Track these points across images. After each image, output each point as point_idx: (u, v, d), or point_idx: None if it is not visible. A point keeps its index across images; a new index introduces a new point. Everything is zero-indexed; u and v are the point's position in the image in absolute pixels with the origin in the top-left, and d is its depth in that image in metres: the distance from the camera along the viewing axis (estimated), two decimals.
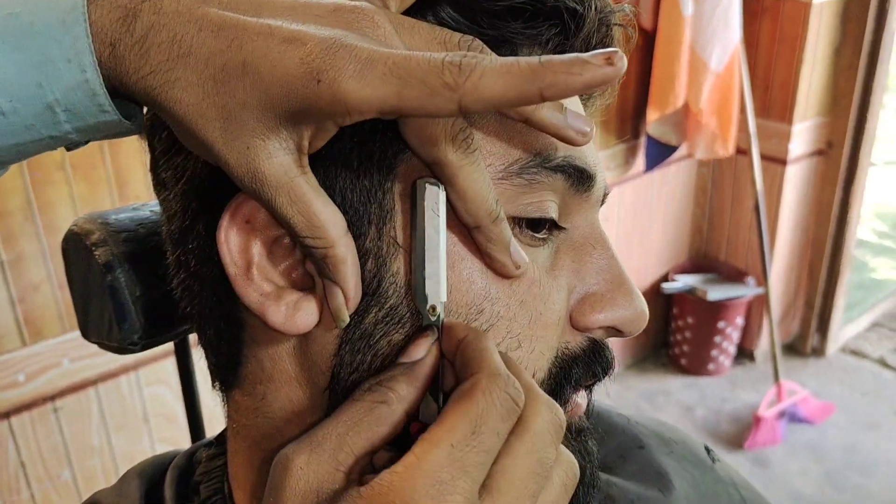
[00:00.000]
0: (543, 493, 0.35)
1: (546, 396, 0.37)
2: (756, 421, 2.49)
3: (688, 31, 2.23)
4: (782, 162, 2.58)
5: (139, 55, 0.32)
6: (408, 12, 0.37)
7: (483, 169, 0.37)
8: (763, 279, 2.57)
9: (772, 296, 2.60)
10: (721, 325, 2.72)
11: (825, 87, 2.58)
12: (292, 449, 0.35)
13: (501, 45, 0.39)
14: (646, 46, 2.36)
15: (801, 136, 2.58)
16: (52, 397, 1.54)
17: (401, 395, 0.36)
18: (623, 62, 0.31)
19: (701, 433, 2.59)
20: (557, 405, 0.37)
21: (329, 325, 0.39)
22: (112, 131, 0.35)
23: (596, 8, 0.42)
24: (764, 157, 2.56)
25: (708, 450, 0.60)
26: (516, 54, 0.40)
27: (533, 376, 0.41)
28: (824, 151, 2.69)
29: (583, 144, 0.36)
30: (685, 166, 2.74)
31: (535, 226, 0.41)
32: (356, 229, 0.38)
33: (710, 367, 2.83)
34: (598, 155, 0.45)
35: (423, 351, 0.38)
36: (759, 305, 2.77)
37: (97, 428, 1.63)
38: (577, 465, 0.37)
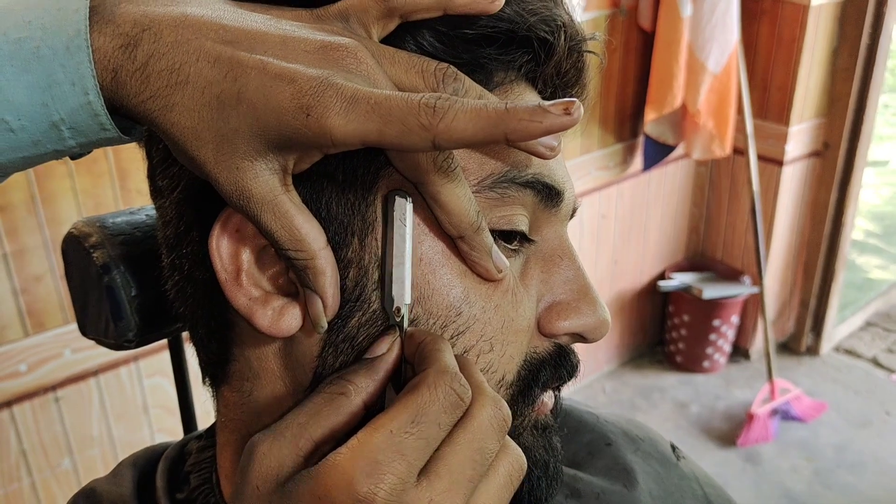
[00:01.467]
0: (485, 481, 0.38)
1: (493, 394, 0.39)
2: (749, 418, 2.51)
3: (686, 33, 2.25)
4: (779, 163, 2.60)
5: (140, 81, 0.35)
6: (391, 37, 0.40)
7: (464, 184, 0.39)
8: (758, 278, 2.60)
9: (767, 295, 2.63)
10: (716, 323, 2.75)
11: (822, 88, 2.60)
12: (258, 437, 0.38)
13: (476, 70, 0.42)
14: (644, 47, 2.38)
15: (798, 137, 2.60)
16: (54, 387, 1.57)
17: (359, 386, 0.39)
18: (580, 111, 0.34)
19: (695, 429, 2.62)
20: (504, 402, 0.39)
21: (312, 329, 0.42)
22: (112, 143, 0.38)
23: (566, 37, 0.45)
24: (761, 158, 2.58)
25: (673, 447, 0.63)
26: (490, 79, 0.43)
27: (503, 378, 0.44)
28: (820, 152, 2.71)
29: (551, 158, 0.38)
30: (683, 166, 2.76)
31: (507, 238, 0.43)
32: (340, 240, 0.41)
33: (705, 364, 2.86)
34: (567, 172, 0.48)
35: (385, 347, 0.41)
36: (754, 304, 2.79)
37: (97, 418, 1.66)
38: (523, 459, 0.40)
